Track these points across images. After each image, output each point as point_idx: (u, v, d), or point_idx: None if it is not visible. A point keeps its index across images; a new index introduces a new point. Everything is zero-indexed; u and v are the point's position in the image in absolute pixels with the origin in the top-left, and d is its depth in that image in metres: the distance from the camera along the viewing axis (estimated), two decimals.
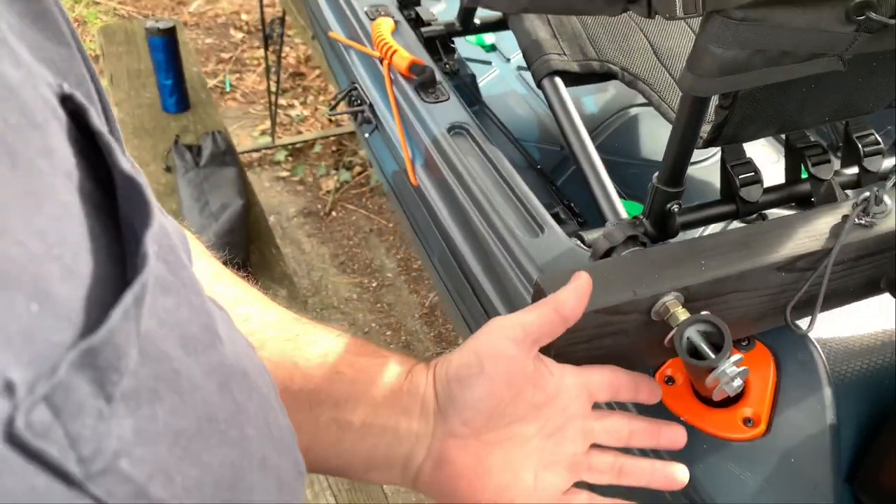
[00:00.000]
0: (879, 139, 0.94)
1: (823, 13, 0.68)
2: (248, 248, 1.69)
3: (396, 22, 1.15)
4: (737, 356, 0.53)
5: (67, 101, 0.22)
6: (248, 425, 0.25)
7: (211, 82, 2.88)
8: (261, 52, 3.15)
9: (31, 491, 0.16)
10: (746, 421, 0.65)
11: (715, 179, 0.97)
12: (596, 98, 1.25)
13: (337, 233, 2.46)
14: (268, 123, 2.79)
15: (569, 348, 0.56)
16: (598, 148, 0.96)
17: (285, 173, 2.65)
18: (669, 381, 0.68)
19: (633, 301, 0.56)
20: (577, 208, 1.03)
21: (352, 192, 2.59)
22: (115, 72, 2.15)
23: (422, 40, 1.15)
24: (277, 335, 0.47)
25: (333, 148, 2.75)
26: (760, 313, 0.65)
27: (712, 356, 0.53)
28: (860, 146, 0.93)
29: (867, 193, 0.63)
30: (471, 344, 0.49)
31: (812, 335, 0.72)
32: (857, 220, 0.63)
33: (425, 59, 1.08)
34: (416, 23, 1.20)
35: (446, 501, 0.49)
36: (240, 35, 3.33)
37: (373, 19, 1.16)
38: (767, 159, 1.15)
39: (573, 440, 0.50)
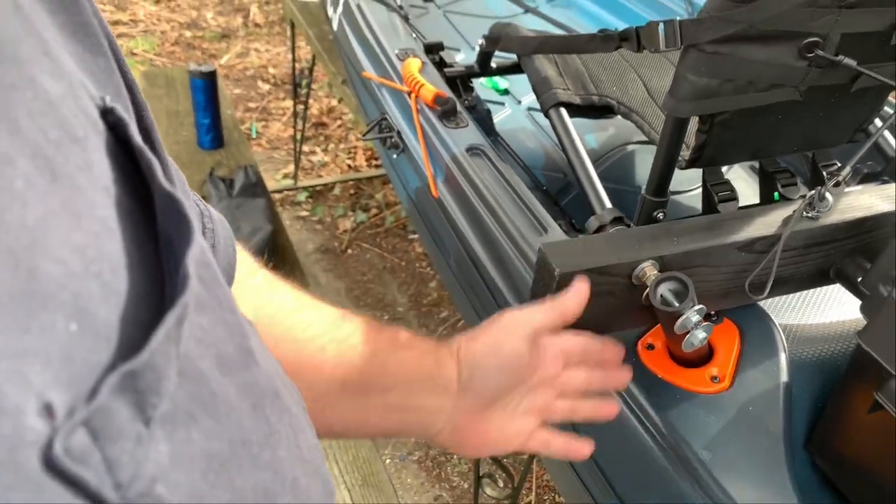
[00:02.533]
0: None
1: (781, 50, 0.83)
2: (277, 268, 1.83)
3: (423, 63, 1.32)
4: (700, 306, 0.66)
5: (108, 115, 0.22)
6: (281, 447, 0.25)
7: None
8: (285, 103, 3.36)
9: None
10: (713, 378, 0.77)
11: (700, 206, 1.11)
12: (597, 135, 1.40)
13: (352, 269, 2.60)
14: (290, 168, 2.96)
15: None
16: (599, 176, 1.11)
17: (305, 213, 2.81)
18: (650, 347, 0.80)
19: (617, 265, 0.69)
20: (578, 225, 1.17)
21: (367, 232, 2.74)
22: (155, 112, 2.33)
23: (445, 79, 1.31)
24: (334, 337, 0.55)
25: (352, 191, 2.92)
26: (726, 290, 0.78)
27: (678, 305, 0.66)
28: (824, 174, 1.07)
29: (813, 192, 0.77)
30: (490, 336, 0.59)
31: (775, 318, 0.84)
32: (804, 213, 0.76)
33: (448, 93, 1.23)
34: (440, 65, 1.36)
35: (456, 452, 0.61)
36: (267, 87, 3.55)
37: (402, 60, 1.33)
38: (746, 193, 1.29)
39: (545, 393, 0.61)
